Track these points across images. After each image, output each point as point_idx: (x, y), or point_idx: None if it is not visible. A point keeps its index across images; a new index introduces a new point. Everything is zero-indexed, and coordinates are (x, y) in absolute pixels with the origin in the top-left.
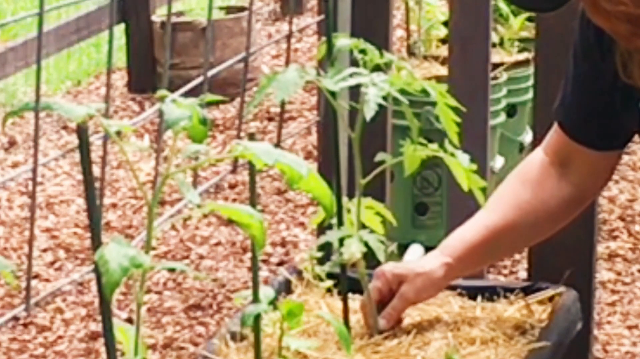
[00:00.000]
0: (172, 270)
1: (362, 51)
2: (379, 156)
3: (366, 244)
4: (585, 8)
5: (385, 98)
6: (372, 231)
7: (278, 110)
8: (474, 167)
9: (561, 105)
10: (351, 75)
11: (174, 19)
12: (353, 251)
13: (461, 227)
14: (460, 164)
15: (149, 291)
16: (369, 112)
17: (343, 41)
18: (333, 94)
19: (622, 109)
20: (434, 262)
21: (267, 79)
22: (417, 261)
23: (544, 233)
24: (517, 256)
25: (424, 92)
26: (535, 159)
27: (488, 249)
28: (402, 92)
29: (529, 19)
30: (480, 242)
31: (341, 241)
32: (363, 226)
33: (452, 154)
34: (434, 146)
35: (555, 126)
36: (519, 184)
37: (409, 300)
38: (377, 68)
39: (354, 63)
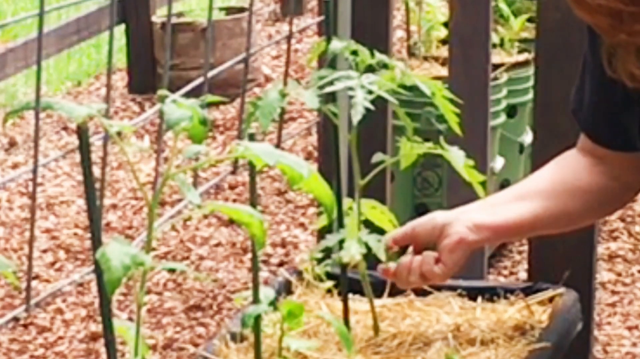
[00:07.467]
0: (172, 271)
1: (354, 53)
2: (377, 157)
3: (366, 245)
4: (568, 1)
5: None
6: (374, 230)
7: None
8: (471, 163)
9: (579, 110)
10: (339, 79)
11: (174, 20)
12: (353, 253)
13: (509, 204)
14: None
15: (149, 291)
16: (355, 116)
17: (336, 44)
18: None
19: None
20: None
21: (253, 106)
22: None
23: (582, 220)
24: (517, 257)
25: (421, 90)
26: (569, 153)
27: (528, 233)
28: (401, 92)
29: (529, 20)
30: (522, 229)
31: (341, 243)
32: (365, 226)
33: (445, 150)
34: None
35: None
36: (563, 174)
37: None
38: (371, 68)
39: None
